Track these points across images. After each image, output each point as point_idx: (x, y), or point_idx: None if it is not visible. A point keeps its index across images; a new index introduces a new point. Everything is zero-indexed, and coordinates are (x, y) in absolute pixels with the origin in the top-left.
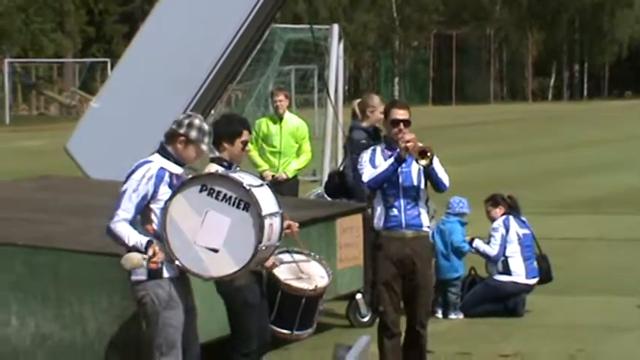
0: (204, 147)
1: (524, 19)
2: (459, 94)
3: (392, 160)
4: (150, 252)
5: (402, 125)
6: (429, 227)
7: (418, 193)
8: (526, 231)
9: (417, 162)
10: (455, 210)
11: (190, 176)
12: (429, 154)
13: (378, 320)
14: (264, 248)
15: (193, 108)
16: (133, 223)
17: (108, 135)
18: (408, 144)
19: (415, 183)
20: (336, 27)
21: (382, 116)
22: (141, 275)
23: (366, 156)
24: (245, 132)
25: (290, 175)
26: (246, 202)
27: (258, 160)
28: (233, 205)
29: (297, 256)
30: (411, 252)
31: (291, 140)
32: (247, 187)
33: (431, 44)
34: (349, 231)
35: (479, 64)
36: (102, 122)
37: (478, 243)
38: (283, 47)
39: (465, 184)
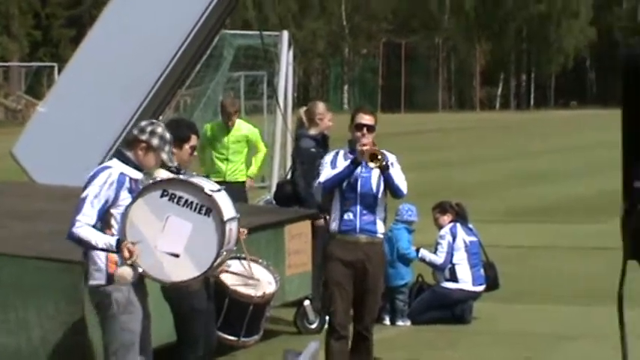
0: (164, 155)
1: (472, 28)
2: (407, 103)
3: (348, 162)
4: (125, 253)
5: (364, 130)
6: (383, 234)
7: (375, 199)
8: (473, 238)
9: (367, 165)
10: (403, 217)
11: (151, 181)
12: (379, 157)
13: (327, 324)
14: (224, 253)
15: (141, 114)
16: (94, 228)
17: (54, 140)
18: (363, 147)
19: (374, 190)
20: (285, 33)
21: (330, 123)
22: (99, 280)
23: (327, 158)
24: (193, 136)
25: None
26: (208, 208)
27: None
28: (194, 210)
29: (245, 263)
30: (364, 256)
31: (239, 146)
32: (209, 193)
33: (380, 52)
34: (298, 237)
35: (427, 73)
36: (48, 127)
37: (424, 252)
38: (232, 53)
39: (412, 192)
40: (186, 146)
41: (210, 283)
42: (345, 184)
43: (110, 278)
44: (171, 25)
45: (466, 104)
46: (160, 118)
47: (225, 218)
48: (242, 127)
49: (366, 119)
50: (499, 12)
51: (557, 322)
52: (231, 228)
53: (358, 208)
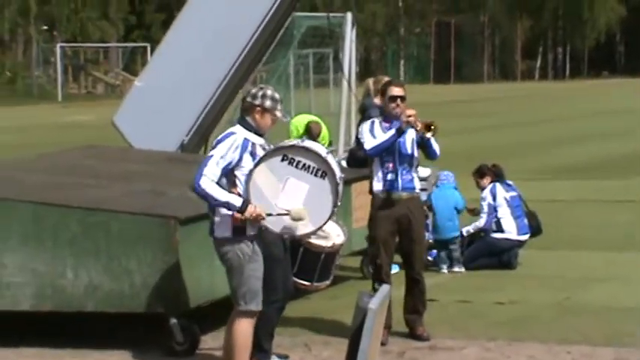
0: (278, 113)
1: (514, 7)
2: (456, 75)
3: (393, 131)
4: (251, 210)
5: (399, 101)
6: (420, 190)
7: (412, 160)
8: (513, 193)
9: (423, 134)
10: (449, 181)
11: (273, 147)
12: (432, 127)
13: (373, 273)
14: (336, 210)
15: (224, 87)
16: (218, 185)
17: (149, 110)
18: (410, 118)
19: (409, 152)
20: (349, 15)
21: None
22: (225, 233)
23: (365, 127)
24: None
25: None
26: (324, 171)
27: None
28: (311, 173)
29: None
30: (407, 211)
31: None
32: (325, 157)
33: (432, 31)
34: (362, 194)
35: (474, 48)
36: (144, 99)
37: (467, 228)
38: (301, 32)
39: (457, 155)
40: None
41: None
42: None
43: (235, 230)
44: (249, 10)
45: (509, 76)
46: (240, 91)
47: (338, 180)
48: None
49: (397, 91)
50: None
51: (590, 266)
52: (341, 187)
53: (398, 168)
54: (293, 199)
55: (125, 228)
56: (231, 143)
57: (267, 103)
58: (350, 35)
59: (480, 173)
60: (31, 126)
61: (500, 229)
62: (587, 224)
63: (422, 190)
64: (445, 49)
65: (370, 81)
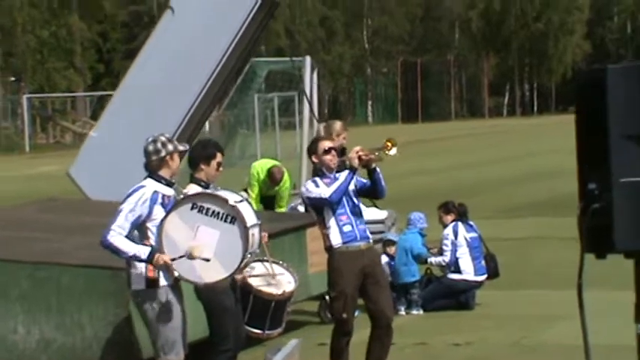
0: (181, 148)
1: (480, 46)
2: (424, 114)
3: (346, 172)
4: (156, 259)
5: (333, 152)
6: (378, 233)
7: (359, 209)
8: (473, 234)
9: (386, 154)
10: (417, 225)
11: (182, 197)
12: (390, 143)
13: (335, 328)
14: (249, 255)
15: (181, 132)
16: (129, 238)
17: (105, 161)
18: (360, 153)
19: (356, 201)
20: (308, 59)
21: (344, 141)
22: (140, 285)
23: (310, 186)
24: (219, 154)
25: None
26: (233, 217)
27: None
28: (221, 219)
29: (267, 264)
30: (370, 261)
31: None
32: (232, 204)
33: (398, 71)
34: (318, 239)
35: (441, 87)
36: (100, 150)
37: (432, 260)
38: (264, 76)
39: (428, 193)
40: (213, 162)
41: (237, 284)
42: None
43: (149, 282)
44: (208, 48)
45: (476, 113)
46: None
47: (248, 225)
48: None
49: (328, 144)
50: (503, 31)
51: (548, 305)
52: (254, 233)
53: (352, 219)
54: (205, 246)
55: (76, 281)
56: (140, 197)
57: (170, 148)
58: (310, 78)
59: (445, 209)
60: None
61: (457, 270)
62: (546, 262)
63: (379, 232)
64: (412, 88)
65: (321, 126)
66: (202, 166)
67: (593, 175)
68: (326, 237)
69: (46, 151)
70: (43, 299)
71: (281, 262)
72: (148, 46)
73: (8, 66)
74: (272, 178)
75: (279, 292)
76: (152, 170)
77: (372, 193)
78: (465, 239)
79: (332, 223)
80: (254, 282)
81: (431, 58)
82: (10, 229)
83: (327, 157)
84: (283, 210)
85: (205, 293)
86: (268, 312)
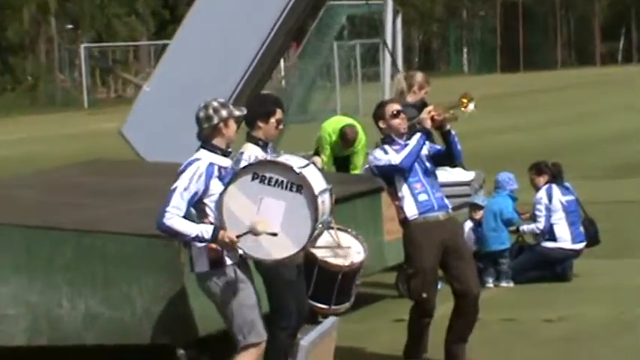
0: (237, 113)
1: None
2: (527, 62)
3: (418, 134)
4: (220, 236)
5: (402, 114)
6: (464, 196)
7: (435, 175)
8: (570, 197)
9: (462, 112)
10: (506, 187)
11: (241, 167)
12: (466, 99)
13: (413, 304)
14: (320, 226)
15: (243, 86)
16: (187, 219)
17: (161, 118)
18: (433, 113)
19: (429, 167)
20: (389, 1)
21: (426, 95)
22: (203, 267)
23: (378, 153)
24: (278, 110)
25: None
26: (298, 185)
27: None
28: (286, 188)
29: (333, 233)
30: (450, 233)
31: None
32: (297, 170)
33: (497, 13)
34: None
35: (546, 31)
36: (154, 106)
37: (524, 227)
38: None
39: (520, 152)
40: (272, 120)
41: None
42: None
43: (213, 263)
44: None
45: (587, 60)
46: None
47: (316, 192)
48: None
49: (395, 107)
50: None
51: None
52: (324, 200)
53: (428, 187)
54: (272, 220)
55: (124, 251)
56: (194, 172)
57: (224, 114)
58: (391, 24)
59: (536, 170)
60: (55, 136)
61: (553, 238)
62: None
63: (465, 195)
64: (513, 33)
65: (401, 77)
66: (260, 124)
67: None
68: (400, 209)
69: (106, 107)
70: (89, 270)
71: (349, 230)
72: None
73: (64, 12)
74: (344, 139)
75: (347, 263)
76: (205, 139)
77: (446, 158)
78: (561, 203)
79: (405, 192)
80: (319, 252)
81: None
82: (52, 193)
83: (396, 121)
84: (358, 172)
85: (264, 265)
86: (335, 285)
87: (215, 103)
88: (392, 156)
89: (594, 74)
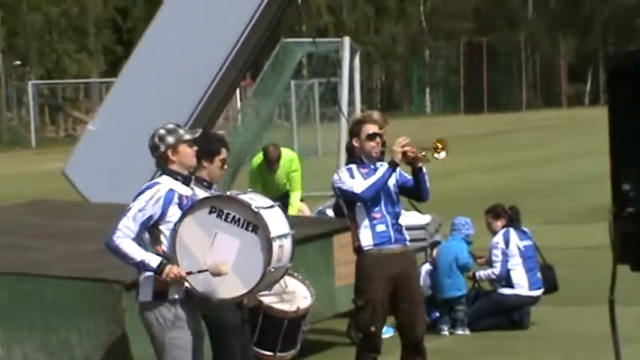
0: (187, 137)
1: (556, 25)
2: (491, 103)
3: (385, 166)
4: (167, 270)
5: (378, 139)
6: (419, 240)
7: (399, 207)
8: (527, 242)
9: (434, 157)
10: (461, 231)
11: (200, 198)
12: (441, 145)
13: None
14: (272, 270)
15: (192, 125)
16: (137, 242)
17: (105, 157)
18: (405, 148)
19: (394, 197)
20: (346, 40)
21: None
22: (146, 297)
23: (344, 175)
24: (223, 150)
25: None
26: (255, 224)
27: None
28: (242, 227)
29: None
30: (404, 268)
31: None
32: (255, 210)
33: (460, 53)
34: (348, 247)
35: (511, 72)
36: (99, 144)
37: (479, 273)
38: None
39: (482, 194)
40: (217, 159)
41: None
42: None
43: (156, 294)
44: (220, 31)
45: (553, 102)
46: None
47: (272, 235)
48: (286, 164)
49: (374, 128)
50: (583, 6)
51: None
52: (282, 245)
53: (387, 217)
54: (224, 257)
55: (63, 295)
56: (152, 195)
57: (171, 140)
58: (349, 62)
59: (494, 214)
60: (1, 175)
61: (509, 284)
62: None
63: (421, 239)
64: (477, 73)
65: (357, 116)
66: (204, 164)
67: (628, 175)
68: (355, 236)
69: (56, 146)
70: (26, 315)
71: (296, 275)
72: (153, 28)
73: (12, 48)
74: (267, 158)
75: (293, 308)
76: (161, 167)
77: (414, 193)
78: (518, 248)
79: (363, 221)
80: (264, 298)
81: (499, 38)
82: None
83: (371, 144)
84: (298, 194)
85: (207, 310)
86: (280, 331)
87: (162, 131)
88: (356, 183)
89: (560, 116)
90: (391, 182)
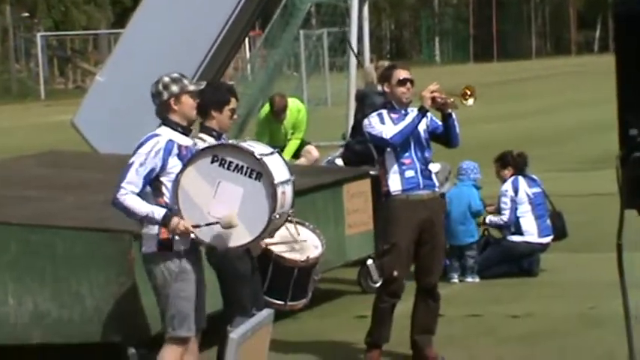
0: (191, 87)
1: None
2: (500, 51)
3: (415, 112)
4: (174, 223)
5: (409, 84)
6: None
7: (428, 153)
8: (536, 189)
9: (462, 103)
10: (470, 175)
11: (201, 147)
12: (469, 92)
13: (381, 284)
14: (277, 217)
15: (201, 76)
16: (140, 196)
17: (114, 108)
18: (434, 94)
19: (424, 143)
20: None
21: None
22: (151, 248)
23: (374, 119)
24: (233, 100)
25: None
26: (258, 172)
27: None
28: (245, 174)
29: (290, 226)
30: (430, 214)
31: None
32: (258, 157)
33: (470, 1)
34: (357, 196)
35: (520, 19)
36: (107, 95)
37: (490, 218)
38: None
39: (492, 143)
40: (226, 109)
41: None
42: None
43: (161, 246)
44: None
45: (562, 49)
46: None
47: (276, 181)
48: (293, 114)
49: (405, 74)
50: None
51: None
52: (284, 191)
53: (417, 163)
54: (228, 206)
55: (72, 246)
56: (152, 147)
57: (175, 89)
58: (357, 11)
59: (502, 162)
60: (11, 127)
61: (519, 231)
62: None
63: None
64: (487, 21)
65: (371, 66)
66: (214, 114)
67: (635, 121)
68: (384, 181)
69: (64, 98)
70: (37, 266)
71: (307, 224)
72: None
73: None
74: (273, 108)
75: (303, 258)
76: (162, 116)
77: (443, 139)
78: (527, 195)
79: (393, 166)
80: (274, 247)
81: None
82: (1, 186)
83: (400, 89)
84: (298, 140)
85: (217, 259)
86: (290, 280)
87: (166, 79)
88: (386, 128)
89: (570, 64)
90: (421, 128)
